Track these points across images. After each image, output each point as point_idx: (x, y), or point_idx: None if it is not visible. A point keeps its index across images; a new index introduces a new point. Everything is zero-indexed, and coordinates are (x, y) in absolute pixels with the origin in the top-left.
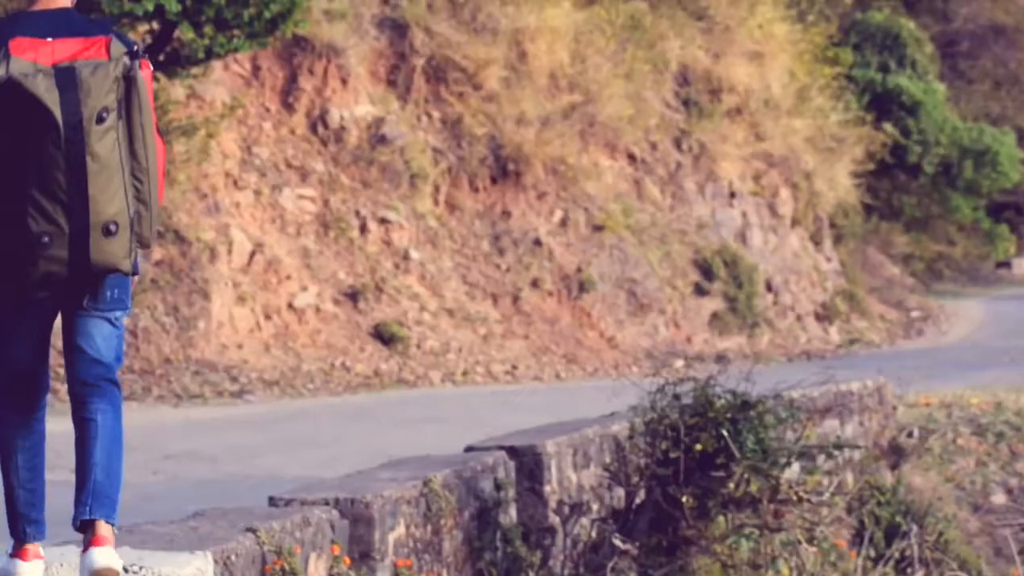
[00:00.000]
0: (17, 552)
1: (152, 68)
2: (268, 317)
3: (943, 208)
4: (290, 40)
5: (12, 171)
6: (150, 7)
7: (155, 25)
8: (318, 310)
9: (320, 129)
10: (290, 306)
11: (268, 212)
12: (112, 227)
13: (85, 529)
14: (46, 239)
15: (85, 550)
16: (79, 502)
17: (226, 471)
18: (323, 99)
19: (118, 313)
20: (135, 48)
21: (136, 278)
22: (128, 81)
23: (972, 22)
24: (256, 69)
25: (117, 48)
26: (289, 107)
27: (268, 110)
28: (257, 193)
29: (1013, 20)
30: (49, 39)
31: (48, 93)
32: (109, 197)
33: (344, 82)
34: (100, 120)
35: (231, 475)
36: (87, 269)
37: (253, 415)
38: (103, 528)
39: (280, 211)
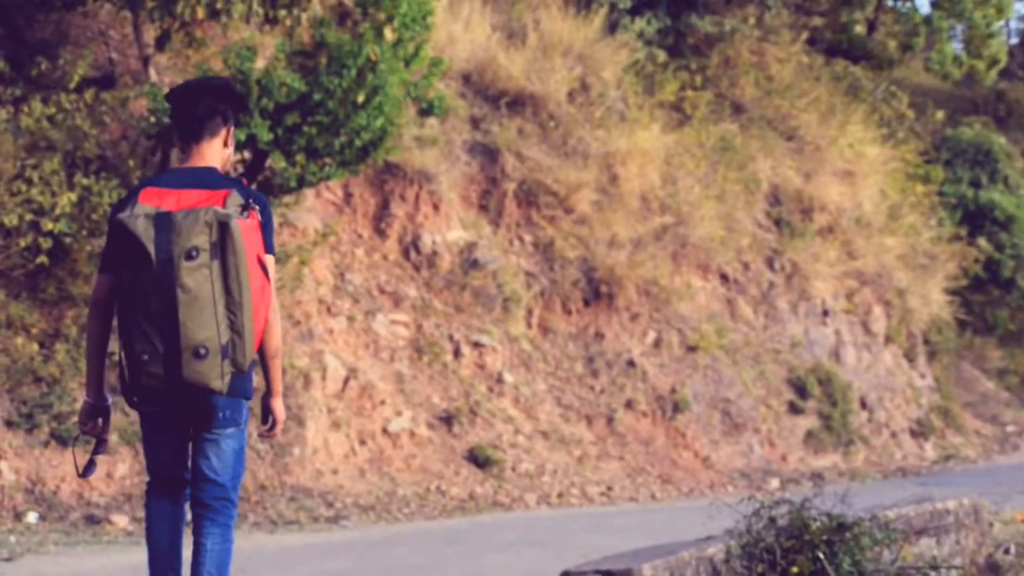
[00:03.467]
0: None
1: (261, 218)
2: (363, 442)
3: None
4: (381, 167)
5: (129, 300)
6: (242, 136)
7: (247, 155)
8: (412, 434)
9: (412, 254)
10: (384, 431)
11: (362, 338)
12: (202, 351)
13: None
14: (145, 357)
15: None
16: None
17: None
18: (415, 225)
19: (231, 430)
20: (249, 201)
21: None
22: (222, 227)
23: None
24: (348, 196)
25: (234, 200)
26: (381, 233)
27: (360, 236)
28: (350, 319)
29: None
30: (178, 189)
31: (145, 232)
32: (199, 324)
33: (436, 207)
34: (190, 257)
35: None
36: (182, 386)
37: (349, 541)
38: None
39: (374, 336)
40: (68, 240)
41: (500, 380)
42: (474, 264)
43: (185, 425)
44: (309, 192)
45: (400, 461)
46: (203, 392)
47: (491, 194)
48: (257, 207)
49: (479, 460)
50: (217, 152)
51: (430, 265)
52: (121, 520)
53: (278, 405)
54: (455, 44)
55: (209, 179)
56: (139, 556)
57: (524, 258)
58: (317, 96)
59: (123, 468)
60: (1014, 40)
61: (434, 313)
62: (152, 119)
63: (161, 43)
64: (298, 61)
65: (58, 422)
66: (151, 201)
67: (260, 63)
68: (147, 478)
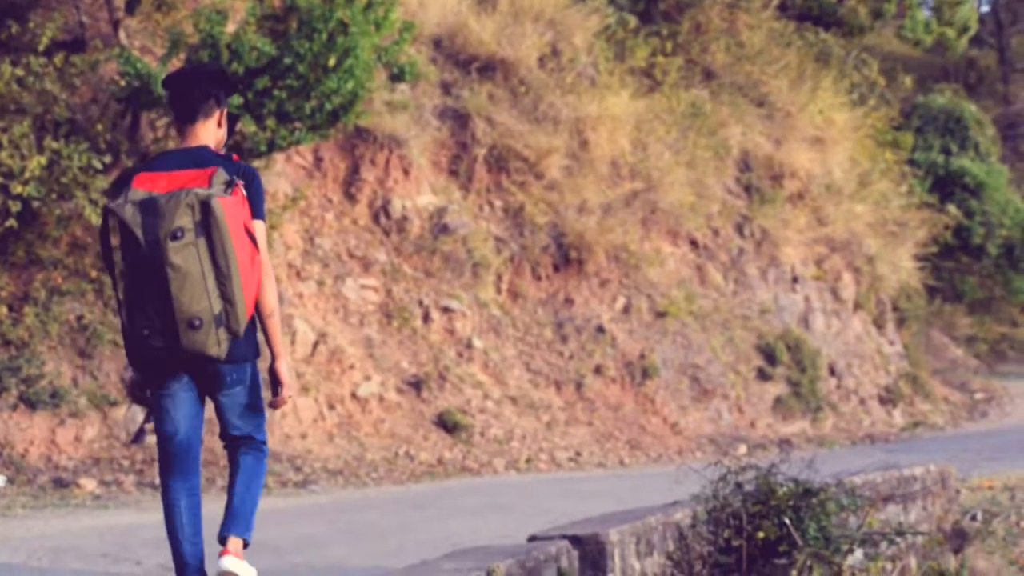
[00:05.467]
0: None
1: (249, 189)
2: (332, 407)
3: (1006, 290)
4: (352, 131)
5: (127, 280)
6: None
7: None
8: (381, 399)
9: (382, 219)
10: (353, 395)
11: (331, 302)
12: (196, 322)
13: (223, 543)
14: (146, 332)
15: (220, 557)
16: (222, 523)
17: (291, 562)
18: (385, 189)
19: (238, 388)
20: (233, 177)
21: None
22: (204, 207)
23: None
24: (318, 160)
25: (219, 177)
26: (351, 198)
27: (331, 201)
28: (320, 283)
29: None
30: (169, 172)
31: (133, 218)
32: (192, 298)
33: (406, 172)
34: (175, 238)
35: (296, 566)
36: (183, 355)
37: (317, 505)
38: (234, 543)
39: (343, 301)
40: (37, 204)
41: (469, 345)
42: (444, 229)
43: (197, 394)
44: (279, 156)
45: (369, 426)
46: (204, 359)
47: (461, 159)
48: (242, 182)
49: (448, 425)
50: (212, 132)
51: (400, 230)
52: (89, 483)
53: (283, 368)
54: (426, 8)
55: (200, 158)
56: (106, 519)
57: (494, 223)
58: (287, 60)
59: (91, 432)
60: (985, 8)
61: (404, 278)
62: (122, 82)
63: (131, 6)
64: (268, 25)
65: (27, 385)
66: (143, 186)
67: (230, 27)
68: (159, 464)
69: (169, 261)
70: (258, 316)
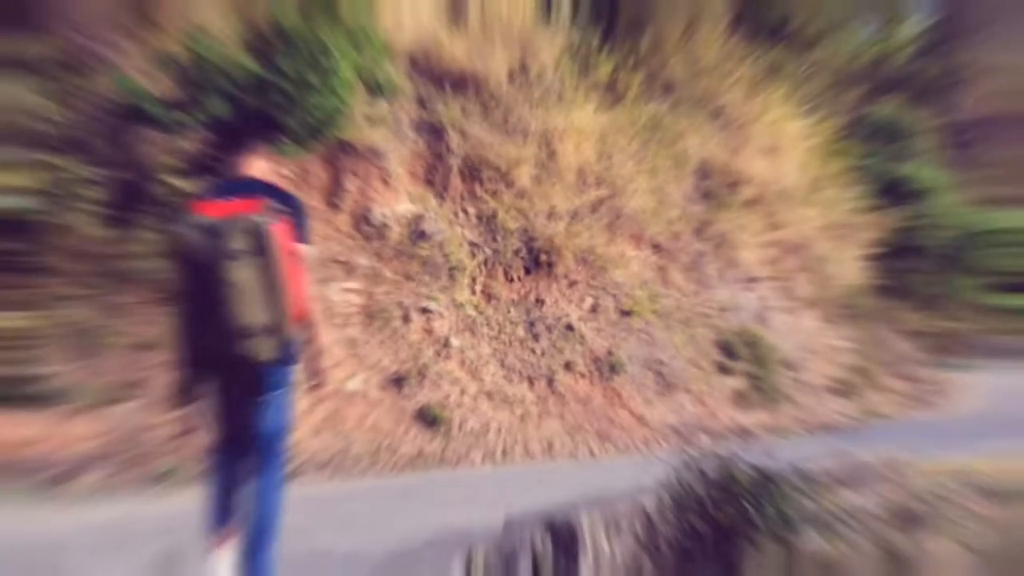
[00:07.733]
0: (216, 541)
1: (295, 217)
2: (319, 402)
3: (950, 288)
4: (335, 145)
5: (188, 294)
6: (201, 117)
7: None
8: (365, 395)
9: (364, 227)
10: (339, 392)
11: (317, 305)
12: (249, 331)
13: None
14: (204, 339)
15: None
16: (247, 541)
17: (280, 550)
18: (366, 199)
19: (279, 391)
20: (280, 207)
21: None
22: (257, 232)
23: (979, 110)
24: (304, 172)
25: (268, 205)
26: (335, 207)
27: (315, 210)
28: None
29: (1020, 107)
30: (224, 199)
31: (195, 240)
32: (244, 311)
33: (385, 182)
34: (233, 258)
35: (285, 553)
36: (236, 359)
37: (305, 496)
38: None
39: (328, 304)
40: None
41: (447, 344)
42: (421, 235)
43: (243, 391)
44: None
45: (353, 421)
46: (254, 363)
47: (437, 169)
48: (288, 210)
49: (427, 419)
50: (260, 165)
51: (380, 236)
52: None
53: (319, 357)
54: (401, 27)
55: (251, 188)
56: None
57: (468, 229)
58: (272, 78)
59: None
60: (931, 18)
61: (384, 281)
62: (118, 101)
63: (125, 29)
64: (255, 45)
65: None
66: (203, 211)
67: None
68: (215, 439)
69: (227, 278)
70: (304, 324)
